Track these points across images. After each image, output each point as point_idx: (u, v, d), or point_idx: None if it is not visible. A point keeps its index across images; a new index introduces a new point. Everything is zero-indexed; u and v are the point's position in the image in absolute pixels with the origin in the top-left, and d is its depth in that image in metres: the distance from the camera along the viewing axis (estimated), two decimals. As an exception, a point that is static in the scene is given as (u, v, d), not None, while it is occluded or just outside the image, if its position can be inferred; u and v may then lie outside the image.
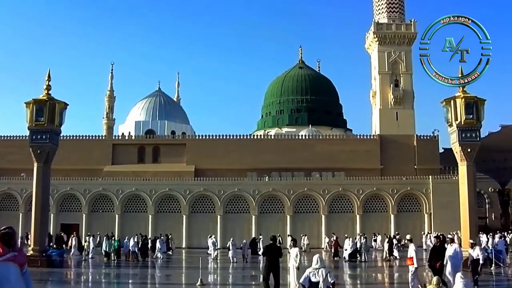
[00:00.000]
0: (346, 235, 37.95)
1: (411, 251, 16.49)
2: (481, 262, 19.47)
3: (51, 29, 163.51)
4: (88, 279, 24.89)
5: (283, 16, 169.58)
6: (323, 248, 45.41)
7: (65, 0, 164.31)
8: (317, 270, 12.18)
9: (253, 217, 50.75)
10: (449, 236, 20.44)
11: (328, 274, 12.13)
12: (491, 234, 40.31)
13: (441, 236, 19.02)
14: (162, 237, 39.04)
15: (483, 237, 38.27)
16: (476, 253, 19.70)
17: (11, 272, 6.46)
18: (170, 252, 40.66)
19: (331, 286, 12.10)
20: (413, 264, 16.19)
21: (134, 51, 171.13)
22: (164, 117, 72.51)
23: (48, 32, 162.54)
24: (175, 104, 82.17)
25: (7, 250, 6.48)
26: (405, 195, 51.60)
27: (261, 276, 17.11)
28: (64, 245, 38.54)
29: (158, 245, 35.72)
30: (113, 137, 68.99)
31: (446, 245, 17.56)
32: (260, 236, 42.11)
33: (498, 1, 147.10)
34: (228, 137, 60.27)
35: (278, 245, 17.93)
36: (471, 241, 21.86)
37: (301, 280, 12.60)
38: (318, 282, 12.00)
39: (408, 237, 20.26)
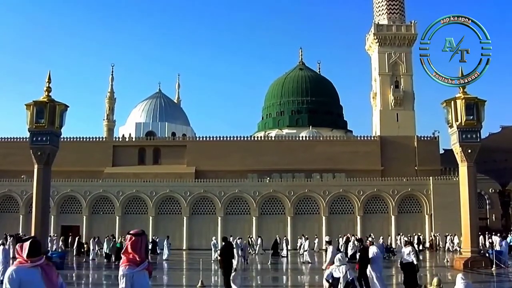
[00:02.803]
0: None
1: (329, 253, 15.66)
2: (403, 262, 17.12)
3: (51, 31, 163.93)
4: (88, 281, 24.86)
5: (284, 17, 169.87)
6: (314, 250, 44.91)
7: (65, 2, 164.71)
8: (338, 267, 13.89)
9: (254, 218, 50.70)
10: (369, 239, 20.01)
11: (348, 271, 13.74)
12: (498, 234, 40.36)
13: (361, 239, 18.98)
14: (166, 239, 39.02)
15: (496, 238, 38.05)
16: (406, 252, 17.27)
17: (146, 281, 6.32)
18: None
19: (350, 281, 13.77)
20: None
21: (134, 53, 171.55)
22: (165, 118, 72.49)
23: (49, 34, 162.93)
24: (175, 106, 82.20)
25: (144, 258, 6.26)
26: (406, 196, 51.55)
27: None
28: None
29: (165, 245, 36.76)
30: (114, 139, 68.96)
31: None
32: (285, 237, 41.93)
33: (498, 1, 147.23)
34: (228, 138, 60.23)
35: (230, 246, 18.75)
36: (405, 239, 21.10)
37: (325, 276, 14.46)
38: (339, 278, 13.77)
39: (327, 239, 19.66)
